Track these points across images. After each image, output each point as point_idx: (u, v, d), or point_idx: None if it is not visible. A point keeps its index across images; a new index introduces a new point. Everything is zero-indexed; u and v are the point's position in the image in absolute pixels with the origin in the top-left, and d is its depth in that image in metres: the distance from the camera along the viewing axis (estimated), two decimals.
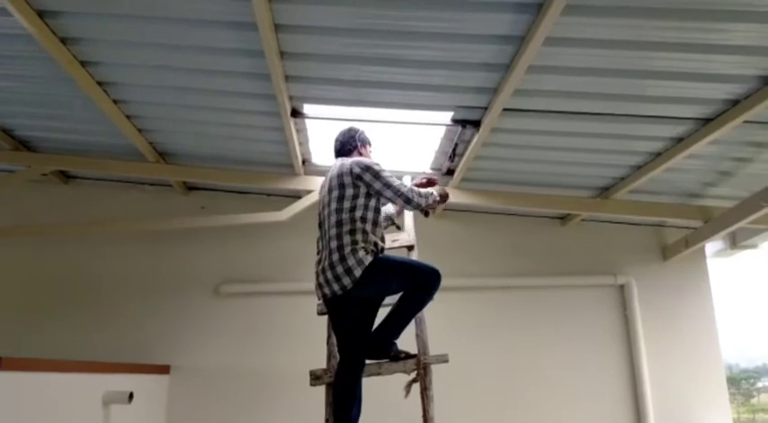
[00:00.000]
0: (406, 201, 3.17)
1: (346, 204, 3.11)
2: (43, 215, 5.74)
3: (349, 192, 3.12)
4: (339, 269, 3.05)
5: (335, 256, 3.06)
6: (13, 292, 5.59)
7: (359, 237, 3.08)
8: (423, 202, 3.23)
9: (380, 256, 3.16)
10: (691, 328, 5.54)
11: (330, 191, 3.17)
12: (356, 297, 3.14)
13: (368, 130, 3.52)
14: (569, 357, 5.44)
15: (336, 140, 3.47)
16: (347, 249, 3.05)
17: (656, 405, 5.28)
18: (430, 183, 3.51)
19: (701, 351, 5.48)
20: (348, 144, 3.42)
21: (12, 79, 4.14)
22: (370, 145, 3.51)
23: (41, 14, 3.27)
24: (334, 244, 3.08)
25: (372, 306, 3.33)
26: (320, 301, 3.46)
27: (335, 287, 3.08)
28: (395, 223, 3.72)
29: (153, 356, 5.27)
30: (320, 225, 3.28)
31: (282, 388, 5.15)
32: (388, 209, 3.63)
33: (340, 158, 3.35)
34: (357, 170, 3.12)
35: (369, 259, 3.05)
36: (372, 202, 3.18)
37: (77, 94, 4.03)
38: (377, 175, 3.12)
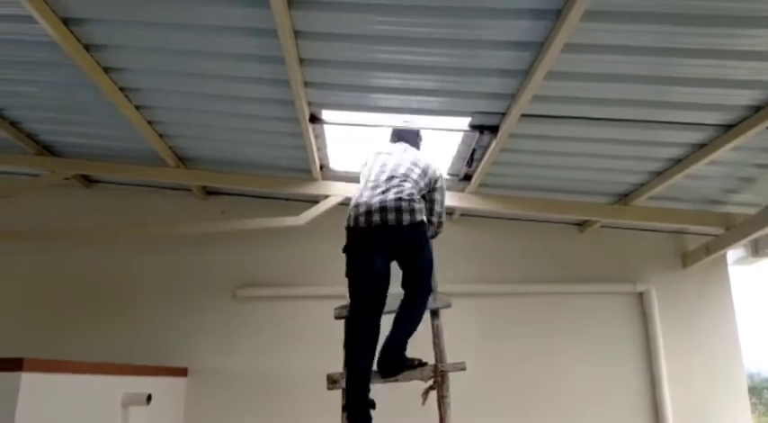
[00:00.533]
0: (439, 224, 3.61)
1: (422, 184, 3.44)
2: (65, 219, 5.83)
3: (425, 182, 3.47)
4: (406, 205, 3.23)
5: (405, 194, 3.26)
6: (34, 294, 5.69)
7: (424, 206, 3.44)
8: (440, 231, 3.67)
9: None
10: (712, 337, 5.46)
11: (416, 165, 3.47)
12: (401, 244, 3.27)
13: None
14: (587, 365, 5.39)
15: (411, 131, 3.88)
16: (417, 200, 3.31)
17: (676, 414, 5.21)
18: None
19: (722, 360, 5.40)
20: (415, 139, 3.84)
21: (36, 85, 4.22)
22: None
23: (66, 22, 3.33)
24: (407, 189, 3.30)
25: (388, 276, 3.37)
26: (337, 307, 3.49)
27: (391, 217, 3.19)
28: None
29: (171, 359, 5.32)
30: (382, 170, 3.45)
31: (300, 392, 5.16)
32: None
33: (414, 146, 3.74)
34: (438, 175, 3.57)
35: (424, 219, 3.35)
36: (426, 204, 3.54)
37: (100, 100, 4.09)
38: (442, 191, 3.60)
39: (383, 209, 3.19)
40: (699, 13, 2.75)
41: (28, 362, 3.35)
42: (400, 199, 3.22)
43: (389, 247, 3.26)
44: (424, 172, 3.47)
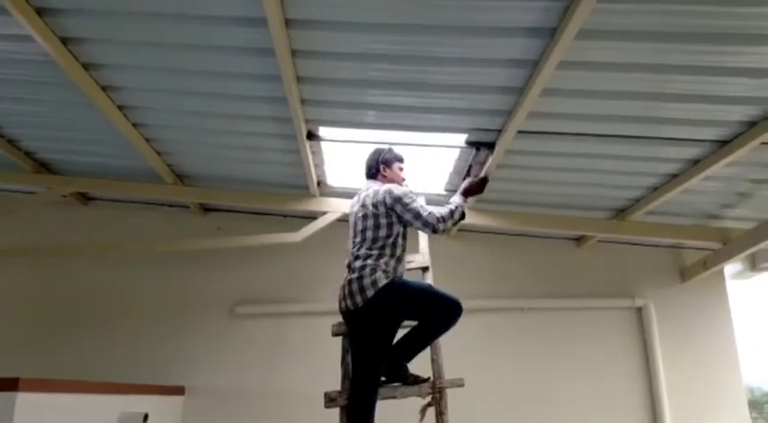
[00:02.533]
0: (434, 230, 3.29)
1: (382, 232, 3.28)
2: (62, 236, 5.82)
3: (383, 221, 3.29)
4: (355, 286, 3.19)
5: (356, 274, 3.21)
6: (30, 311, 5.66)
7: (383, 261, 3.23)
8: (449, 225, 3.32)
9: (398, 279, 3.25)
10: (710, 351, 5.44)
11: (365, 218, 3.33)
12: (368, 317, 3.18)
13: (395, 148, 3.65)
14: (586, 380, 5.36)
15: (365, 163, 3.61)
16: (368, 269, 3.18)
17: None
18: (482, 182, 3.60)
19: (722, 374, 5.38)
20: (372, 168, 3.57)
21: (34, 103, 4.24)
22: (397, 161, 3.60)
23: (65, 41, 3.36)
24: (360, 262, 3.23)
25: (387, 328, 3.31)
26: (335, 323, 3.50)
27: (350, 303, 3.21)
28: None
29: (168, 377, 5.28)
30: (353, 244, 3.41)
31: (297, 409, 5.12)
32: None
33: (371, 182, 3.50)
34: (389, 201, 3.29)
35: (383, 281, 3.16)
36: (402, 230, 3.34)
37: (98, 118, 4.10)
38: (406, 206, 3.29)
39: (345, 296, 3.24)
40: (691, 32, 2.78)
41: (23, 382, 3.33)
42: (351, 281, 3.20)
43: (366, 324, 3.22)
44: (376, 214, 3.29)
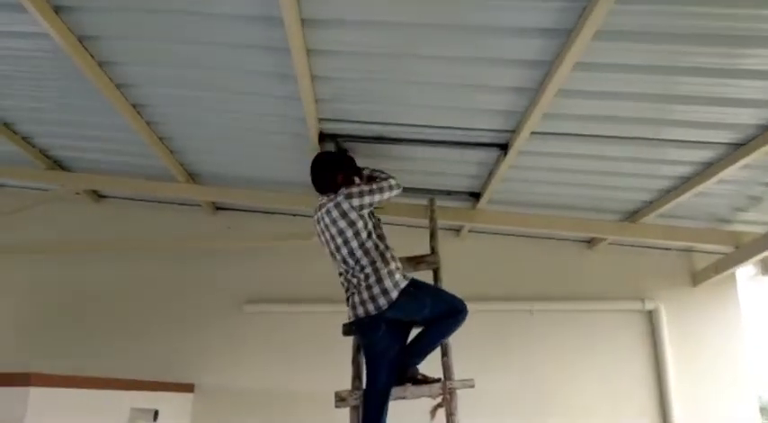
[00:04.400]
0: (398, 186, 3.51)
1: (364, 235, 3.30)
2: (74, 233, 5.87)
3: (360, 224, 3.31)
4: (376, 290, 3.23)
5: (372, 279, 3.24)
6: (41, 307, 5.71)
7: (388, 257, 3.32)
8: (394, 179, 3.52)
9: (414, 280, 3.34)
10: (721, 356, 5.40)
11: (341, 232, 3.32)
12: (389, 319, 3.19)
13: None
14: (596, 383, 5.33)
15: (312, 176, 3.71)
16: (383, 271, 3.24)
17: None
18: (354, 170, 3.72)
19: (733, 380, 5.33)
20: (328, 180, 3.59)
21: (49, 100, 4.28)
22: (340, 163, 3.67)
23: (81, 39, 3.38)
24: (369, 269, 3.26)
25: (402, 330, 3.36)
26: (348, 323, 3.50)
27: (371, 307, 3.24)
28: None
29: (178, 374, 5.31)
30: (335, 257, 3.44)
31: (307, 408, 5.12)
32: None
33: (326, 197, 3.49)
34: (356, 203, 3.32)
35: (404, 283, 3.25)
36: (374, 221, 3.46)
37: (112, 116, 4.12)
38: (371, 192, 3.36)
39: (363, 302, 3.30)
40: (707, 33, 2.76)
41: (35, 377, 3.36)
42: (369, 286, 3.26)
43: (386, 327, 3.32)
44: (351, 221, 3.29)
